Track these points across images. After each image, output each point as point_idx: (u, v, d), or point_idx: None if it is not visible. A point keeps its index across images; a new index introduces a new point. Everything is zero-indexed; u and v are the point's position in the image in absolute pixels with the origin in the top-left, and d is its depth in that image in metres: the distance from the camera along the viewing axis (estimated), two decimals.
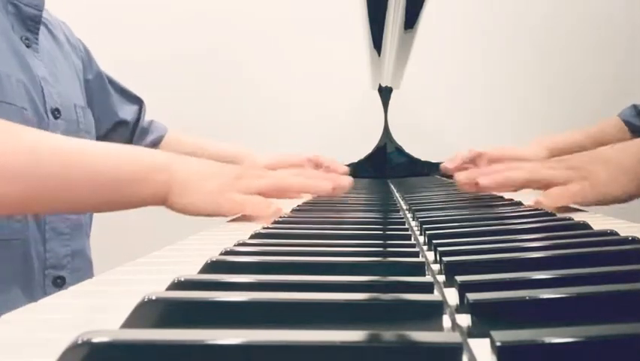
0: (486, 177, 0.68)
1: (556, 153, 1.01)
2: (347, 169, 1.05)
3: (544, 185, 0.68)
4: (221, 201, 0.66)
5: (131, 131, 1.09)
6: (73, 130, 0.89)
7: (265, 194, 0.69)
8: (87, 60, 1.04)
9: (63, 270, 0.84)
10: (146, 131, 1.11)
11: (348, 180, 0.73)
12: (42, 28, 0.91)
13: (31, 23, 0.87)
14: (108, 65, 1.09)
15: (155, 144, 1.11)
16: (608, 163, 0.66)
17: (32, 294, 0.78)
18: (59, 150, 0.60)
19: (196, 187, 0.66)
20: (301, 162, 1.02)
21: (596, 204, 0.65)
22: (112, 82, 1.08)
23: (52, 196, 0.60)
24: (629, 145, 0.68)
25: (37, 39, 0.88)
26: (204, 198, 0.66)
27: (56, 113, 0.86)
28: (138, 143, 1.09)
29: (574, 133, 1.11)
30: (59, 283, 0.83)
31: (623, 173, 0.64)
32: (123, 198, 0.64)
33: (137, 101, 1.12)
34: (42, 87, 0.84)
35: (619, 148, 0.68)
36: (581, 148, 0.81)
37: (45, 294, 0.78)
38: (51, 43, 0.94)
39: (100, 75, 1.06)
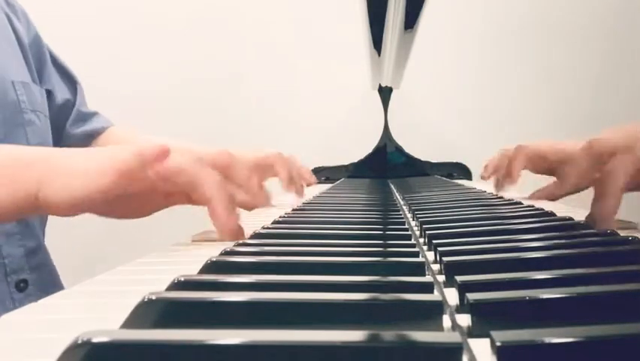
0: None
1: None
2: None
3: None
4: (109, 169, 0.47)
5: (62, 112, 0.94)
6: (14, 112, 0.78)
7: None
8: (25, 23, 0.90)
9: (23, 272, 0.78)
10: (83, 118, 0.96)
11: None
12: None
13: None
14: (110, 77, 1.04)
15: (91, 135, 0.95)
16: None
17: (1, 306, 0.73)
18: None
19: (75, 166, 0.49)
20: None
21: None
22: (52, 55, 0.94)
23: None
24: None
25: None
26: (85, 171, 0.47)
27: None
28: (72, 130, 0.94)
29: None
30: (22, 288, 0.77)
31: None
32: None
33: (73, 82, 0.96)
34: None
35: None
36: None
37: (13, 301, 0.74)
38: None
39: (37, 42, 0.91)
